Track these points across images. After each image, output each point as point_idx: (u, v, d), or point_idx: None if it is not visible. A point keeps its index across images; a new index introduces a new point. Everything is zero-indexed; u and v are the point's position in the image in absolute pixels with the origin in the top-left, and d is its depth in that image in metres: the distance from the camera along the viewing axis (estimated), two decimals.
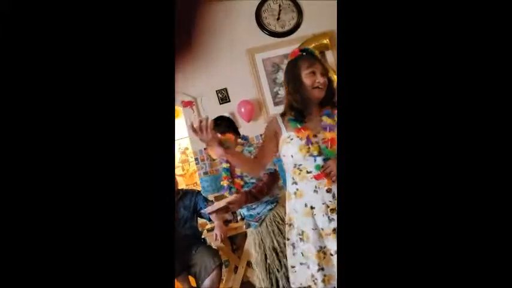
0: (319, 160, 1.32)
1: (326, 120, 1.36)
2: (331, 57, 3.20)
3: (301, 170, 1.36)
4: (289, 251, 1.44)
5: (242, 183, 1.92)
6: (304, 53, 1.44)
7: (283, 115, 1.44)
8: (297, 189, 1.37)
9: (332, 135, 1.33)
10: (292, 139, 1.36)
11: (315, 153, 1.33)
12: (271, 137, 1.44)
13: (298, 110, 1.39)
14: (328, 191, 1.33)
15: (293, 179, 1.39)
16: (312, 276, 1.35)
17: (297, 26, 3.16)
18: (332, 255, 1.33)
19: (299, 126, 1.37)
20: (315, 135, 1.35)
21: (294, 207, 1.39)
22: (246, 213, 1.92)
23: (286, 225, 1.45)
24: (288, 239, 1.43)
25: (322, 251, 1.33)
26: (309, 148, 1.33)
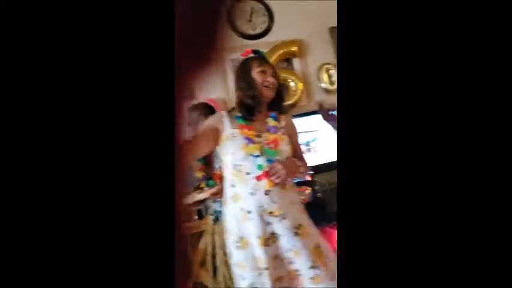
0: (261, 160, 1.31)
1: (270, 122, 1.38)
2: (298, 65, 3.27)
3: (240, 171, 1.34)
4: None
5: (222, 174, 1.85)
6: (255, 54, 1.47)
7: (230, 111, 1.44)
8: (235, 193, 1.34)
9: (275, 136, 1.34)
10: (234, 136, 1.35)
11: (257, 153, 1.32)
12: (209, 131, 1.38)
13: (248, 107, 1.39)
14: (266, 193, 1.31)
15: (231, 181, 1.35)
16: None
17: (267, 31, 3.19)
18: (266, 269, 1.27)
19: (244, 124, 1.37)
20: (259, 135, 1.36)
21: (232, 213, 1.35)
22: (218, 208, 1.87)
23: (226, 233, 1.39)
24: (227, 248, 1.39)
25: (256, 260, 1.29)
26: (251, 147, 1.32)
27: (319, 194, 2.79)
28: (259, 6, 3.19)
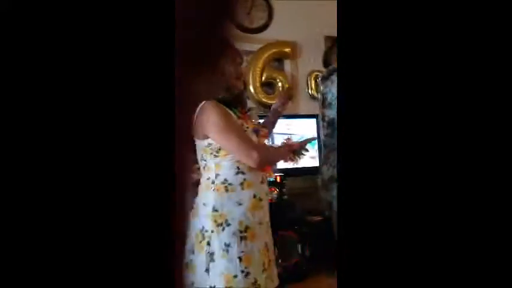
0: None
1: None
2: (288, 67, 3.28)
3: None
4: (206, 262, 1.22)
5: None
6: None
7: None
8: (245, 180, 1.27)
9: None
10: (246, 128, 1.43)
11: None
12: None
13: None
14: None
15: (238, 168, 1.27)
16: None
17: (264, 27, 3.18)
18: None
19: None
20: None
21: (237, 199, 1.24)
22: None
23: (213, 225, 1.23)
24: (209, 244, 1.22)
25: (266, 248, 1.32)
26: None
27: (285, 197, 2.81)
28: (261, 1, 3.18)
